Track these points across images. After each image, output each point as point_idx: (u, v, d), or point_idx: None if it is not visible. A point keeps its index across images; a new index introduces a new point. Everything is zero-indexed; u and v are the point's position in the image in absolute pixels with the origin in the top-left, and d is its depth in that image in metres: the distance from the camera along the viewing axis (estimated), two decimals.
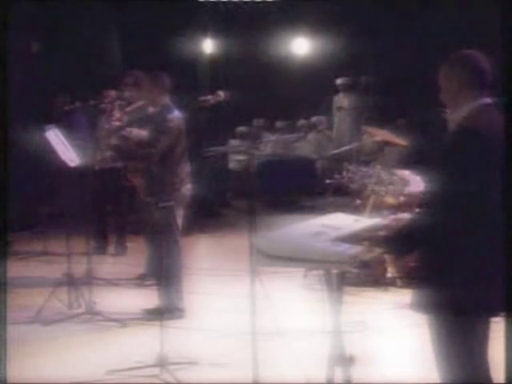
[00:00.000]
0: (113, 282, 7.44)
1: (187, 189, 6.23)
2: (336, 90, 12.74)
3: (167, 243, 5.89)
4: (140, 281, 7.41)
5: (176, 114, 6.17)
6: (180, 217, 6.17)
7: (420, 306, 3.35)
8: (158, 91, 6.22)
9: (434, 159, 3.38)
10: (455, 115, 3.44)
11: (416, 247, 3.36)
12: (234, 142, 12.85)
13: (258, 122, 14.22)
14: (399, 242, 3.38)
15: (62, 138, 6.73)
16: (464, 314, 3.35)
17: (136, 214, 7.51)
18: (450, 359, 3.38)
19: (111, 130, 6.78)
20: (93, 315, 6.22)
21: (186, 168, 6.26)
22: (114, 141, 6.49)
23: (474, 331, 3.42)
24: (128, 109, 7.28)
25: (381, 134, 8.03)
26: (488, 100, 3.42)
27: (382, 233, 3.47)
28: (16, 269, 7.48)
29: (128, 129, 6.39)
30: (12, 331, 4.64)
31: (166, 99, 6.26)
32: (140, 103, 7.16)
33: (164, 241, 5.76)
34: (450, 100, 3.46)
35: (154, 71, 6.37)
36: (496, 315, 3.41)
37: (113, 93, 7.65)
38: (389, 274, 7.03)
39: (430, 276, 3.33)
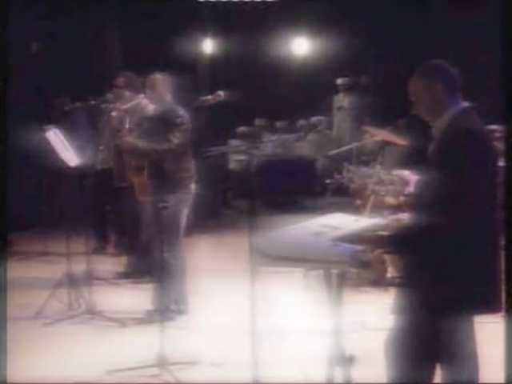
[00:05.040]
0: (113, 282, 7.46)
1: (193, 187, 6.28)
2: (336, 90, 12.75)
3: (169, 243, 5.89)
4: (120, 279, 7.49)
5: (183, 111, 6.22)
6: (185, 215, 6.20)
7: (411, 307, 3.37)
8: (168, 91, 6.28)
9: (429, 162, 3.41)
10: (439, 122, 3.47)
11: (417, 247, 3.37)
12: (234, 142, 12.85)
13: (259, 122, 14.22)
14: (402, 241, 3.38)
15: (62, 138, 6.73)
16: (462, 312, 3.38)
17: (132, 214, 7.53)
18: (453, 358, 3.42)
19: (116, 131, 6.79)
20: (93, 315, 6.23)
21: (193, 165, 6.32)
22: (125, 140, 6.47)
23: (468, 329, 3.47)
24: (124, 106, 7.29)
25: (381, 134, 8.03)
26: (467, 104, 3.47)
27: (384, 233, 3.47)
28: (16, 269, 7.48)
29: (127, 139, 6.39)
30: (12, 331, 4.64)
31: (169, 98, 6.31)
32: (135, 102, 7.20)
33: (166, 241, 5.75)
34: (430, 109, 3.50)
35: (158, 72, 6.40)
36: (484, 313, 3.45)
37: (112, 93, 7.64)
38: (389, 274, 7.04)
39: (425, 277, 3.34)
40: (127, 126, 6.94)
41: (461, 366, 3.47)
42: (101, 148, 7.49)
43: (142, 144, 6.23)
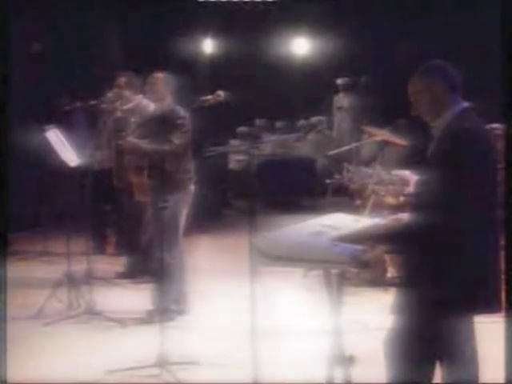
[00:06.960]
0: (113, 282, 7.46)
1: (193, 187, 6.28)
2: (336, 90, 12.75)
3: (168, 243, 5.89)
4: (120, 279, 7.51)
5: (184, 111, 6.23)
6: (184, 216, 6.20)
7: (410, 307, 3.37)
8: (169, 90, 6.29)
9: (429, 162, 3.40)
10: (439, 122, 3.46)
11: (417, 247, 3.37)
12: (234, 142, 12.84)
13: (259, 122, 14.22)
14: (402, 241, 3.39)
15: (62, 138, 6.73)
16: (462, 312, 3.39)
17: (132, 214, 7.54)
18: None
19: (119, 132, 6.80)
20: (93, 315, 6.23)
21: (193, 165, 6.32)
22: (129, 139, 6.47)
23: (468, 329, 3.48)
24: (125, 107, 7.30)
25: (381, 134, 8.02)
26: (467, 104, 3.47)
27: (383, 232, 3.47)
28: (16, 269, 7.48)
29: (130, 139, 6.39)
30: (12, 331, 4.64)
31: (170, 98, 6.32)
32: (136, 102, 7.20)
33: (165, 241, 5.74)
34: (430, 109, 3.49)
35: (161, 71, 6.40)
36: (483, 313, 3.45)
37: (112, 93, 7.64)
38: (389, 274, 7.04)
39: (425, 276, 3.34)
40: (129, 127, 6.94)
41: (461, 365, 3.47)
42: (105, 151, 7.50)
43: (145, 144, 6.23)
